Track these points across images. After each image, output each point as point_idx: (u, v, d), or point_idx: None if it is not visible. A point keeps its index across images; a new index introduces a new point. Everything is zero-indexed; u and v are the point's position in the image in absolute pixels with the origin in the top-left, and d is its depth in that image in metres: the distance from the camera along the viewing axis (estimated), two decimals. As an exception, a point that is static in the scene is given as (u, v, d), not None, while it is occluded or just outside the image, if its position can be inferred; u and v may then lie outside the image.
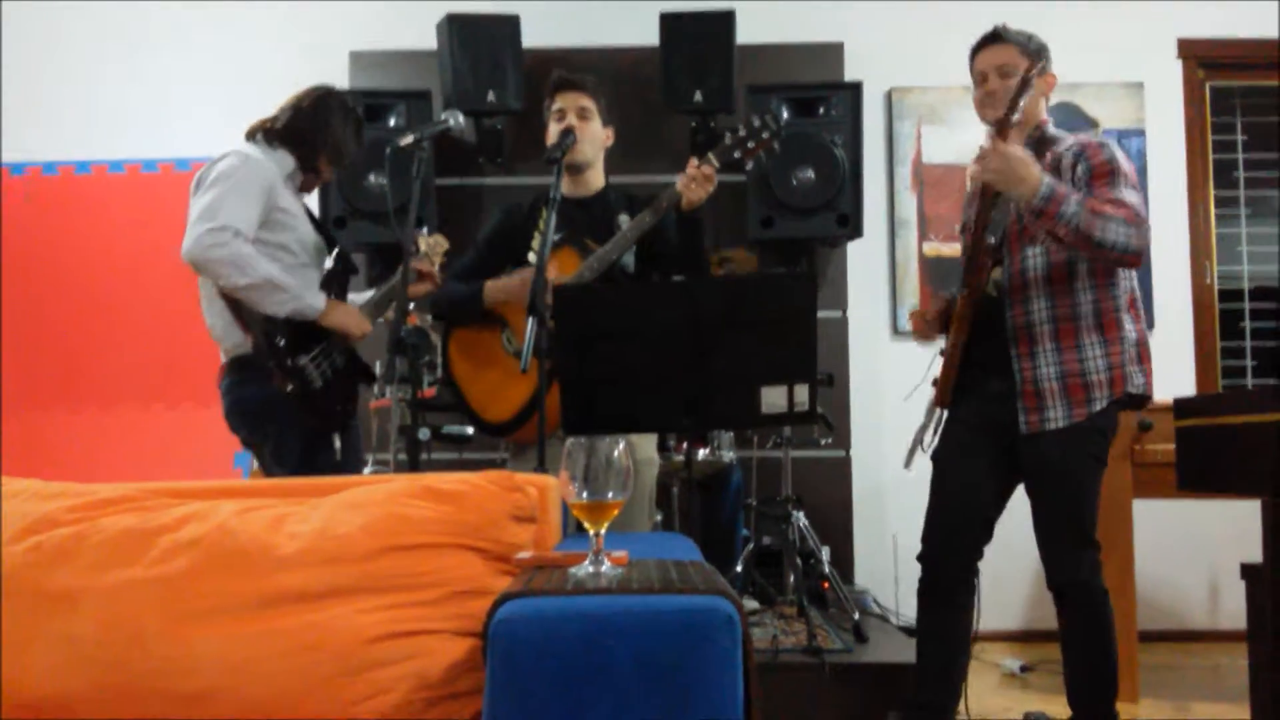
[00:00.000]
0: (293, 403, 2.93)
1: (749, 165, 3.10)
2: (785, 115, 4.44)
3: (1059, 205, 2.59)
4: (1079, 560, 2.74)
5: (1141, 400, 2.82)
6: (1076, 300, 2.77)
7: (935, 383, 2.97)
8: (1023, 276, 2.80)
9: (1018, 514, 2.86)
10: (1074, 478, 2.77)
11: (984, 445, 2.87)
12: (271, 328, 2.91)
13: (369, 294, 3.24)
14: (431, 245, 3.22)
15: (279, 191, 3.01)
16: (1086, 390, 2.75)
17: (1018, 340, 2.80)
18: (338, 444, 3.04)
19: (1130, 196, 2.67)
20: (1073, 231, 2.59)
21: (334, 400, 3.04)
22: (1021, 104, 2.72)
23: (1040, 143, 2.86)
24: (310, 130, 3.10)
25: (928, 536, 2.93)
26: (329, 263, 3.19)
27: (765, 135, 3.02)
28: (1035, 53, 2.84)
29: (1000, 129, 2.74)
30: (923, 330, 3.05)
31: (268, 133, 3.10)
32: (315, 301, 2.99)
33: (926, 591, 2.92)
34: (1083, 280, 2.77)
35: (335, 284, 3.14)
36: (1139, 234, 2.62)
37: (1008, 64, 2.83)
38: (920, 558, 2.93)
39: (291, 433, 2.96)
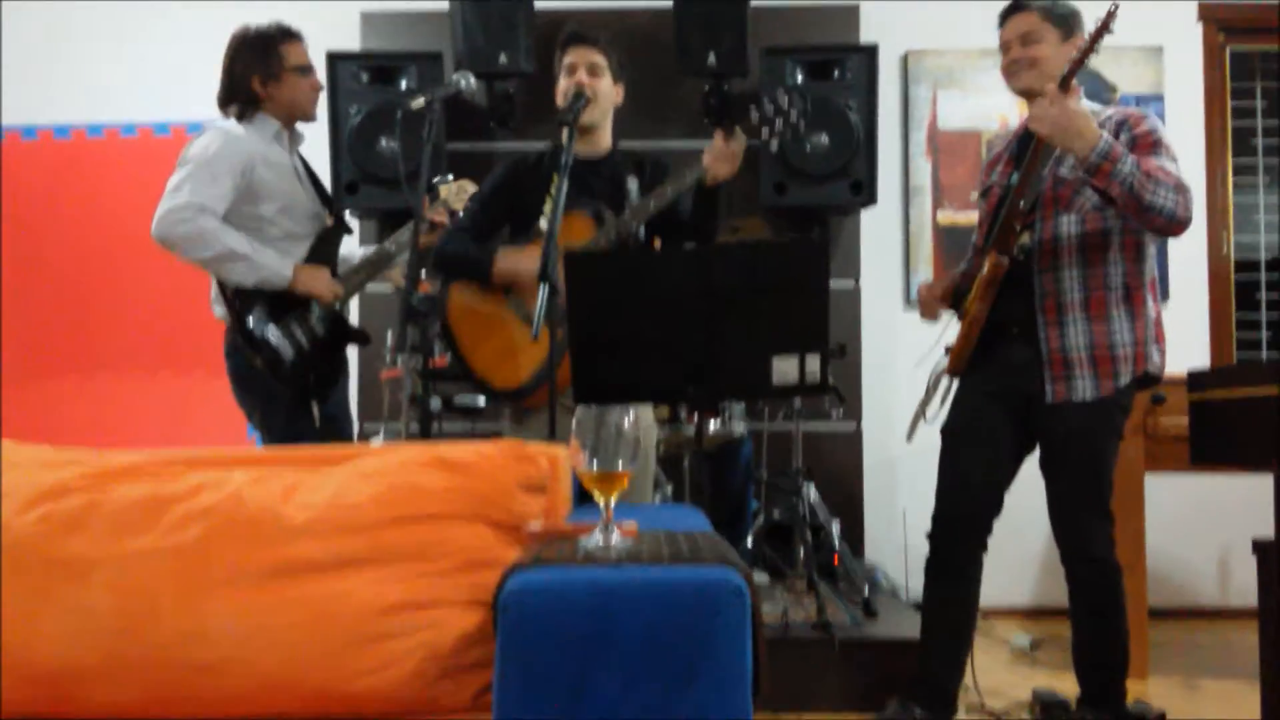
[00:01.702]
0: (270, 374, 2.98)
1: (774, 147, 3.06)
2: (800, 78, 4.39)
3: (1115, 163, 2.54)
4: (1096, 535, 2.74)
5: (1155, 380, 2.80)
6: (1108, 272, 2.74)
7: (948, 350, 2.94)
8: (1055, 244, 2.76)
9: (1027, 488, 2.85)
10: (1096, 452, 2.75)
11: (999, 416, 2.84)
12: (241, 302, 2.96)
13: (365, 249, 3.26)
14: (454, 192, 3.21)
15: (257, 164, 3.05)
16: (1114, 364, 2.72)
17: (1045, 307, 2.76)
18: (316, 412, 3.07)
19: (1172, 167, 2.64)
20: (1126, 191, 2.54)
21: (308, 369, 3.06)
22: (1086, 63, 2.62)
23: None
24: (238, 77, 3.15)
25: (940, 513, 2.90)
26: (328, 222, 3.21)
27: (793, 118, 2.93)
28: (1061, 17, 2.79)
29: (1062, 88, 2.63)
30: (931, 306, 3.01)
31: (224, 103, 3.17)
32: (282, 269, 3.02)
33: (935, 568, 2.91)
34: (1115, 253, 2.74)
35: (326, 247, 3.16)
36: (1185, 202, 2.59)
37: (1030, 31, 2.79)
38: (930, 535, 2.91)
39: (274, 402, 3.03)
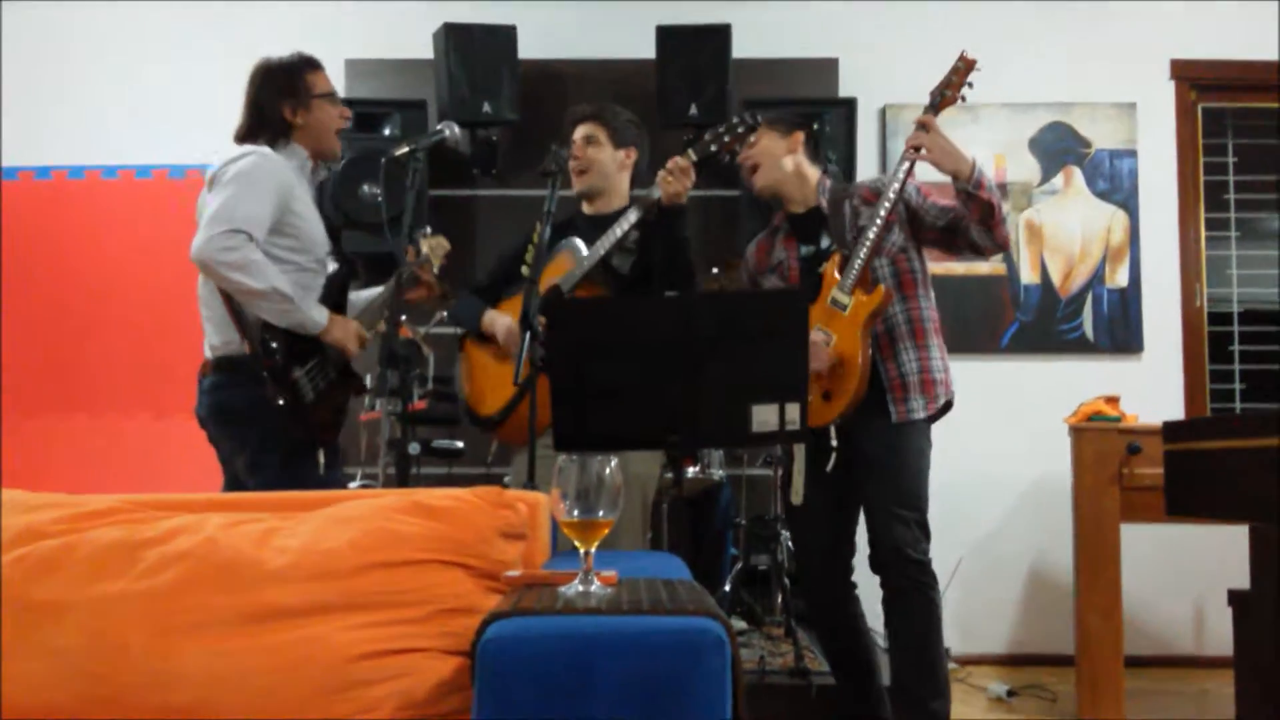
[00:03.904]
0: (281, 414, 2.87)
1: (725, 159, 3.23)
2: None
3: (987, 179, 2.86)
4: (919, 541, 2.85)
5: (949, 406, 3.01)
6: (921, 305, 2.99)
7: (827, 395, 2.94)
8: (877, 285, 2.94)
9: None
10: (916, 466, 2.91)
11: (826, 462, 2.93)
12: (268, 336, 2.87)
13: (369, 292, 3.22)
14: (433, 246, 3.21)
15: (294, 193, 2.97)
16: (934, 386, 2.95)
17: (880, 344, 2.94)
18: (321, 458, 3.00)
19: None
20: (998, 203, 2.86)
21: (324, 414, 2.99)
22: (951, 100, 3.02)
23: (824, 209, 3.06)
24: (268, 105, 3.05)
25: (799, 566, 3.10)
26: (331, 265, 3.16)
27: (740, 130, 3.15)
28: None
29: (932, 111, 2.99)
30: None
31: (246, 135, 3.05)
32: (318, 316, 2.94)
33: (818, 616, 3.07)
34: (922, 289, 3.00)
35: (336, 289, 3.12)
36: None
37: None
38: (804, 586, 3.10)
39: (272, 442, 2.89)
